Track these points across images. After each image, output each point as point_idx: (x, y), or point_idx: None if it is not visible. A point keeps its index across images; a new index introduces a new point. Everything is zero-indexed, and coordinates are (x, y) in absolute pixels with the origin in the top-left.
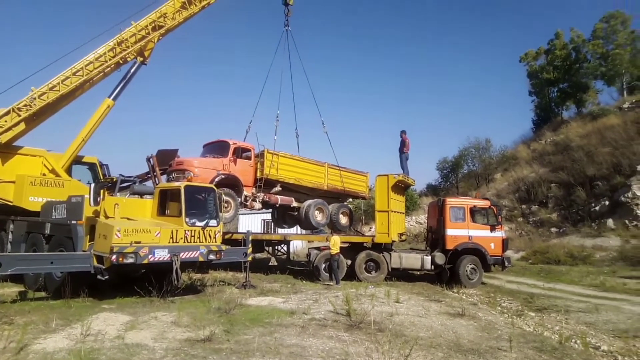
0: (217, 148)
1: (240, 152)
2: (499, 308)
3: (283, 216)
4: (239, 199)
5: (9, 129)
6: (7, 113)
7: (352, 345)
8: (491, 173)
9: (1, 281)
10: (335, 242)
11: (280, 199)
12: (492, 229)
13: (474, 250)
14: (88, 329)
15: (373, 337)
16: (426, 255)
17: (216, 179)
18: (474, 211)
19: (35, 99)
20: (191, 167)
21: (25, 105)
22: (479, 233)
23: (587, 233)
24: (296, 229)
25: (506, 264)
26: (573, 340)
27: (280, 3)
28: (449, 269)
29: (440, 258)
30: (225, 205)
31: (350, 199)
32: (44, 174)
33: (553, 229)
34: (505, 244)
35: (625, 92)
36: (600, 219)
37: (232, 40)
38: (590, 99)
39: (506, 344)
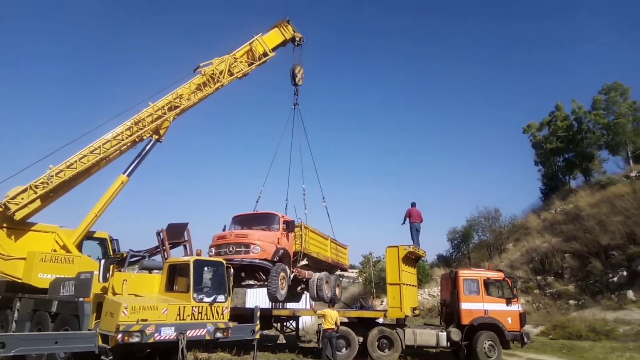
0: (262, 220)
1: (287, 225)
2: None
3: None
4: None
5: (25, 205)
6: (24, 190)
7: None
8: (503, 243)
9: None
10: (329, 316)
11: (307, 274)
12: (508, 302)
13: (491, 325)
14: None
15: None
16: (441, 331)
17: (278, 254)
18: (488, 283)
19: (52, 176)
20: (255, 240)
21: (43, 183)
22: (495, 307)
23: (607, 305)
24: (303, 303)
25: (525, 339)
26: None
27: (289, 84)
28: (465, 346)
29: (456, 334)
30: (282, 281)
31: (345, 271)
32: (55, 250)
33: (571, 301)
34: (522, 318)
35: (631, 161)
36: (619, 291)
37: (241, 111)
38: (596, 168)
39: None
